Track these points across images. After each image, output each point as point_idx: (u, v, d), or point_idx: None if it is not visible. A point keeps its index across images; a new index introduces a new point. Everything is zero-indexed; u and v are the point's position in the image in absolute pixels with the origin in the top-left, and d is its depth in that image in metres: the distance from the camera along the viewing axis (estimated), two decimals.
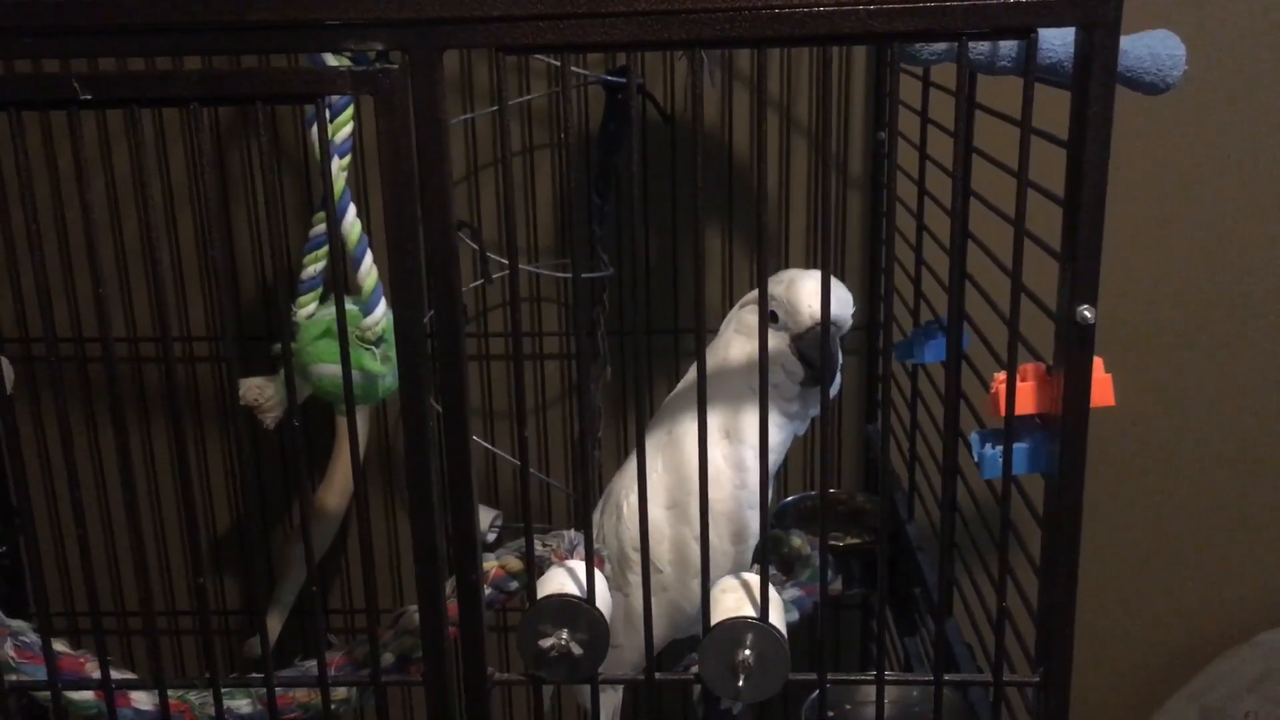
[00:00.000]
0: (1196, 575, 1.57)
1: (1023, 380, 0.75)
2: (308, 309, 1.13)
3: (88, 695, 0.95)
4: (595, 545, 1.00)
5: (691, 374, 1.13)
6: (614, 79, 1.30)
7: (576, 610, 0.77)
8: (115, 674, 0.86)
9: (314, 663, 0.82)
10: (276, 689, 0.83)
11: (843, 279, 1.28)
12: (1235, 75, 1.40)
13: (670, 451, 1.06)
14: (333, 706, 0.85)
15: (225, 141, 1.45)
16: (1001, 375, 0.75)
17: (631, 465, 1.12)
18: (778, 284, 1.01)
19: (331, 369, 1.07)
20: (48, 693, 0.86)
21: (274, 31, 0.68)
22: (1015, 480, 0.76)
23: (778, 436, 1.05)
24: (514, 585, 1.00)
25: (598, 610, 0.78)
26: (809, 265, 1.45)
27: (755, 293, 1.03)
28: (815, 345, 0.99)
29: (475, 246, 1.31)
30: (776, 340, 1.00)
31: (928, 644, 1.21)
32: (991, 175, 0.89)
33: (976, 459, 0.78)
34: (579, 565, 0.81)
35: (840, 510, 1.33)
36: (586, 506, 0.80)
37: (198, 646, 1.62)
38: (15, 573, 1.49)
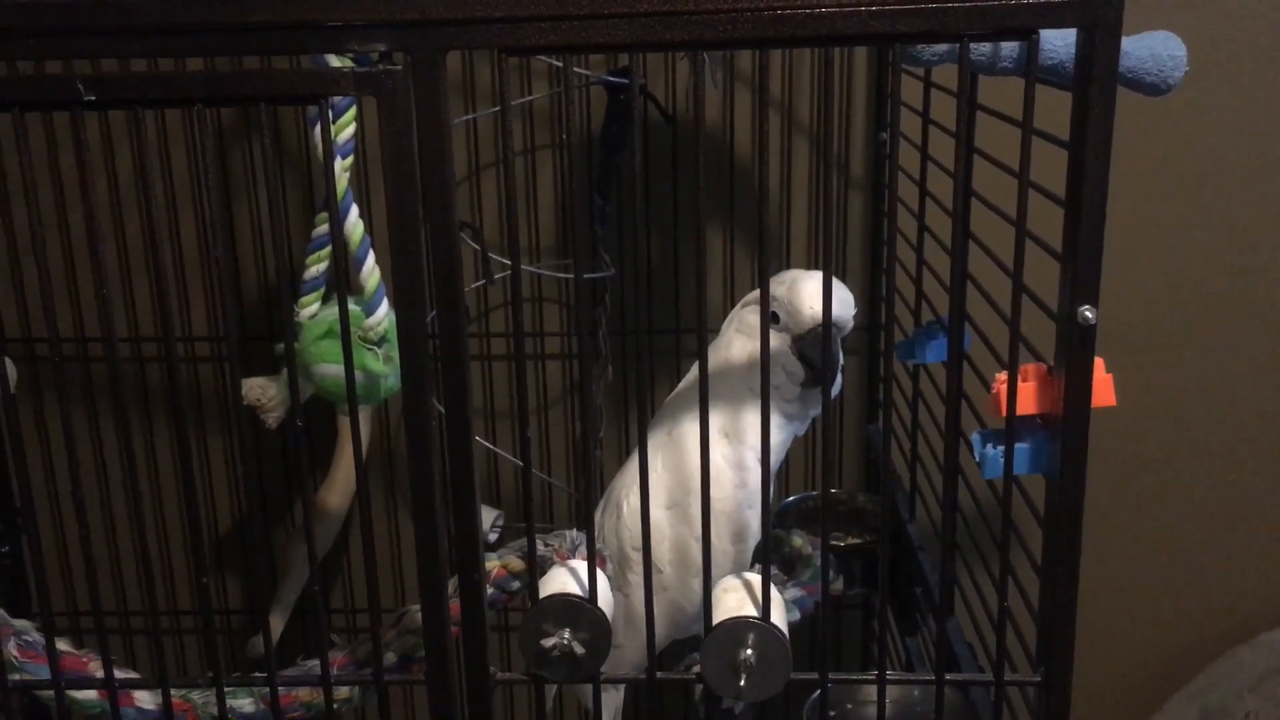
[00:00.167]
0: (1197, 575, 1.57)
1: (1024, 380, 0.75)
2: (310, 309, 1.13)
3: (91, 694, 0.95)
4: (597, 545, 1.00)
5: (692, 374, 1.13)
6: (616, 80, 1.30)
7: (579, 610, 0.78)
8: (118, 673, 0.86)
9: (316, 662, 0.83)
10: (279, 688, 0.83)
11: (844, 279, 1.28)
12: (1236, 76, 1.40)
13: (670, 451, 1.06)
14: (335, 706, 0.85)
15: (227, 142, 1.45)
16: (1003, 375, 0.75)
17: (632, 465, 1.12)
18: (779, 284, 1.01)
19: (334, 369, 1.07)
20: (51, 692, 0.86)
21: (277, 32, 0.68)
22: (1016, 480, 0.77)
23: (778, 437, 1.05)
24: (516, 585, 1.00)
25: (600, 610, 0.78)
26: (810, 266, 1.46)
27: (757, 292, 1.03)
28: (816, 346, 0.99)
29: (477, 247, 1.31)
30: (778, 341, 1.01)
31: (929, 644, 1.21)
32: (993, 176, 0.89)
33: (978, 459, 0.78)
34: (581, 565, 0.81)
35: (841, 510, 1.34)
36: (589, 506, 0.80)
37: (200, 646, 1.62)
38: (18, 572, 1.50)
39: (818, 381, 1.00)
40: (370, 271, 1.07)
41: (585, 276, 1.33)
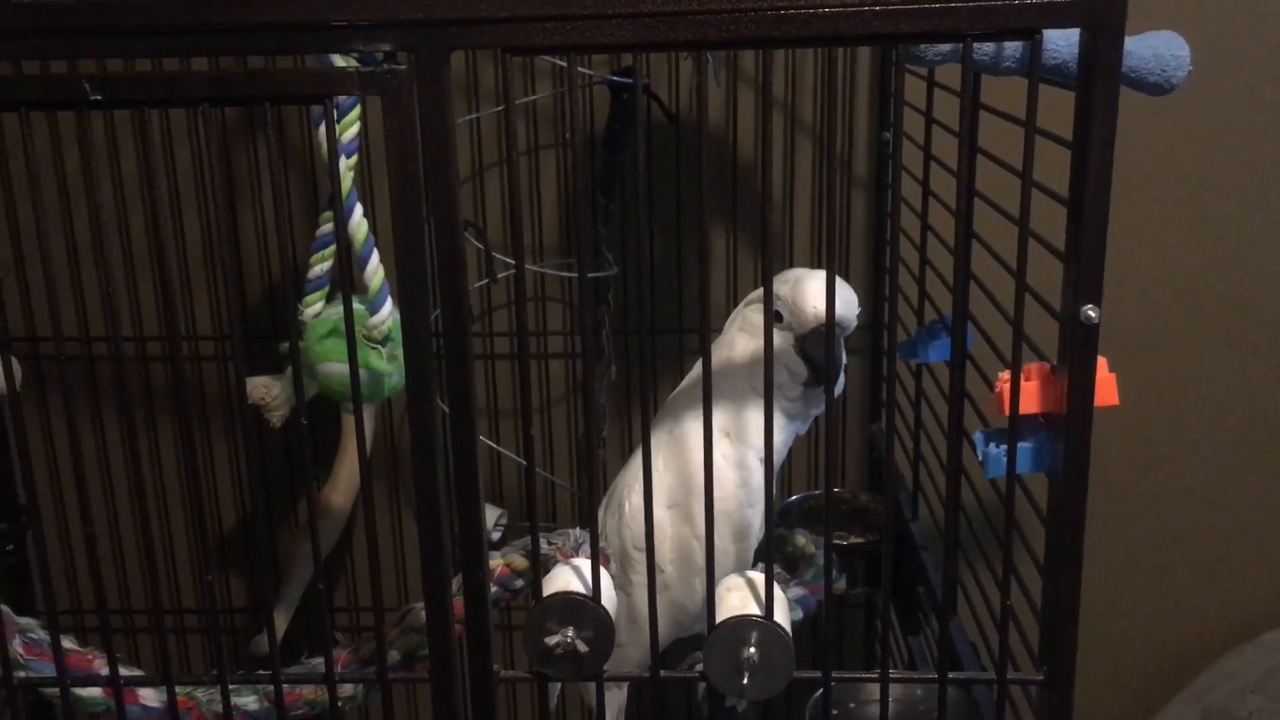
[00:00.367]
0: (1200, 574, 1.57)
1: (1027, 379, 0.75)
2: (314, 308, 1.13)
3: (95, 692, 0.95)
4: (600, 544, 1.00)
5: (694, 372, 1.13)
6: (619, 79, 1.30)
7: (582, 608, 0.78)
8: (123, 671, 0.87)
9: (320, 660, 0.83)
10: (284, 685, 0.84)
11: (847, 278, 1.28)
12: (1239, 76, 1.40)
13: (672, 451, 1.06)
14: (339, 703, 0.86)
15: (231, 141, 1.45)
16: (1005, 375, 0.75)
17: (633, 464, 1.12)
18: (783, 283, 1.01)
19: (338, 368, 1.07)
20: (56, 689, 0.86)
21: (283, 32, 0.69)
22: (1019, 479, 0.77)
23: (780, 436, 1.05)
24: (519, 583, 1.01)
25: (603, 608, 0.78)
26: (813, 265, 1.46)
27: (760, 291, 1.03)
28: (819, 345, 0.99)
29: (480, 246, 1.31)
30: (780, 340, 1.01)
31: (931, 643, 1.21)
32: (996, 175, 0.89)
33: (980, 458, 0.79)
34: (584, 563, 0.81)
35: (844, 509, 1.34)
36: (593, 505, 0.80)
37: (204, 644, 1.63)
38: (23, 570, 1.50)
39: (820, 381, 1.00)
40: (374, 270, 1.07)
41: (589, 276, 1.33)
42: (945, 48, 0.88)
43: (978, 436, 0.79)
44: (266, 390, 1.19)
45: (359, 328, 1.06)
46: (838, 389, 1.08)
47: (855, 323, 1.03)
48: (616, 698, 1.16)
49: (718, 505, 0.96)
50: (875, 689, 0.81)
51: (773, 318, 0.77)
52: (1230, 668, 1.50)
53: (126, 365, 0.77)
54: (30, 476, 0.81)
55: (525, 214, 1.45)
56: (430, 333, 0.73)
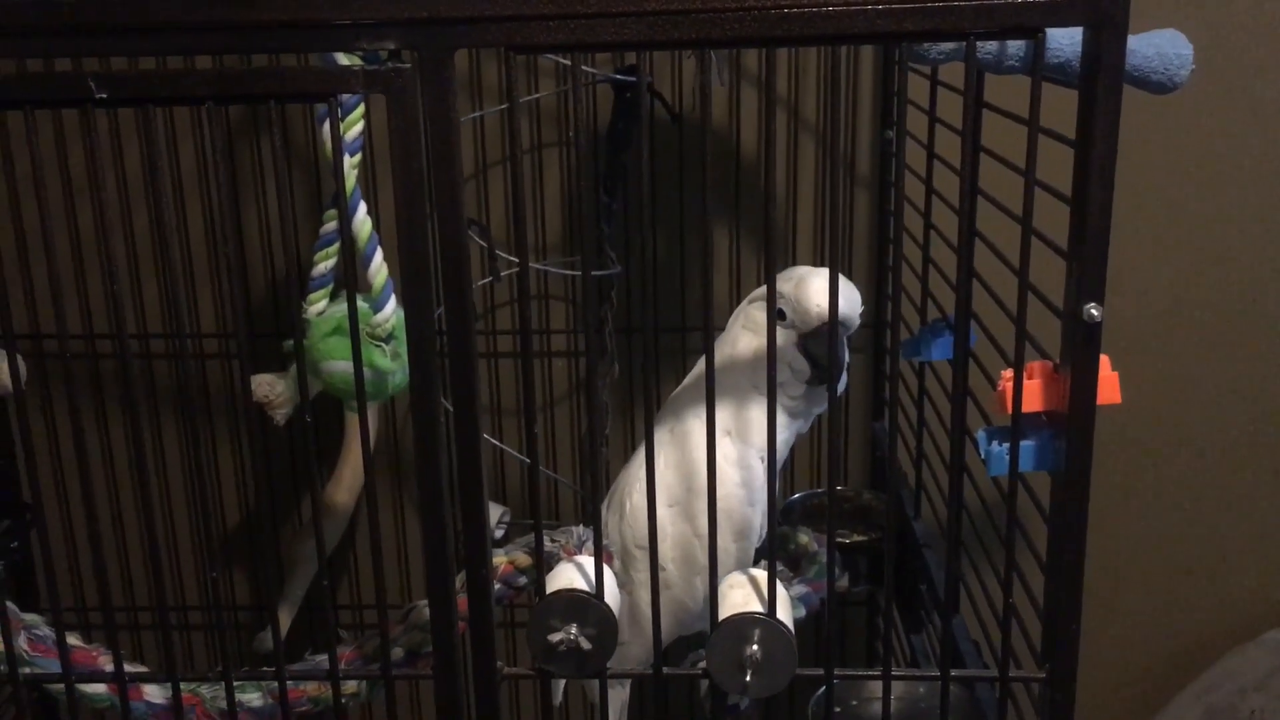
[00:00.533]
0: (1202, 573, 1.57)
1: (1029, 378, 0.75)
2: (318, 306, 1.14)
3: (100, 688, 0.96)
4: (603, 541, 1.00)
5: (696, 370, 1.13)
6: (623, 78, 1.30)
7: (585, 605, 0.78)
8: (128, 667, 0.87)
9: (324, 657, 0.83)
10: (288, 682, 0.84)
11: (850, 277, 1.28)
12: (1242, 75, 1.40)
13: (673, 449, 1.06)
14: (342, 700, 0.86)
15: (235, 139, 1.45)
16: (1008, 373, 0.75)
17: (635, 463, 1.12)
18: (787, 281, 1.01)
19: (342, 366, 1.08)
20: (61, 685, 0.86)
21: (287, 31, 0.69)
22: (1021, 477, 0.77)
23: (781, 434, 1.04)
24: (523, 581, 1.01)
25: (606, 605, 0.78)
26: (816, 263, 1.46)
27: (764, 289, 1.03)
28: (823, 344, 0.99)
29: (484, 244, 1.32)
30: (783, 338, 1.00)
31: (933, 641, 1.21)
32: (999, 174, 0.89)
33: (983, 456, 0.79)
34: (587, 561, 0.82)
35: (847, 508, 1.34)
36: (596, 503, 0.80)
37: (207, 642, 1.63)
38: (27, 567, 1.50)
39: (823, 379, 1.00)
40: (378, 268, 1.07)
41: (592, 274, 1.34)
42: (948, 46, 0.88)
43: (980, 434, 0.80)
44: (270, 388, 1.19)
45: (363, 326, 1.06)
46: (840, 387, 1.08)
47: (858, 321, 1.03)
48: (619, 695, 1.17)
49: (719, 504, 0.96)
50: (877, 686, 0.81)
51: (776, 316, 0.77)
52: (1232, 666, 1.50)
53: (130, 363, 0.78)
54: (35, 473, 0.81)
55: (528, 212, 1.45)
56: (434, 331, 0.73)
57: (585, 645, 0.77)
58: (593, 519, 0.80)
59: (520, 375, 1.31)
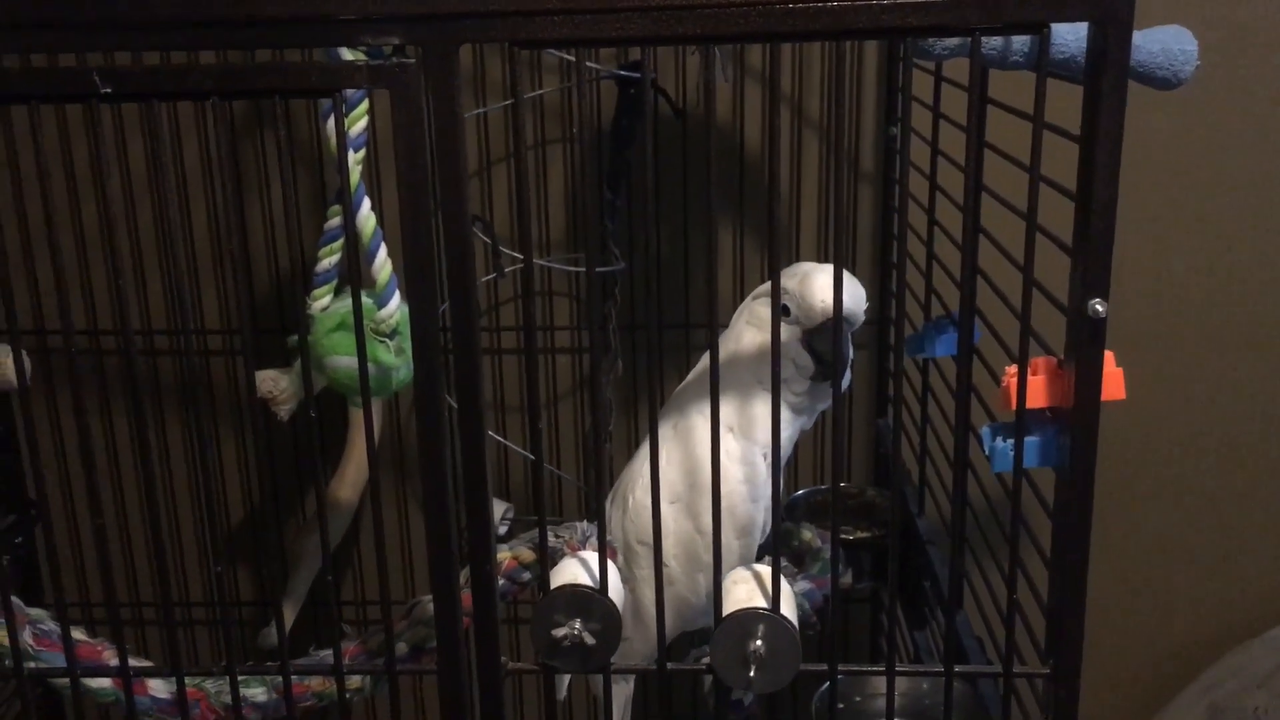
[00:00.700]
0: (1207, 569, 1.57)
1: (1034, 374, 0.75)
2: (322, 302, 1.14)
3: (105, 683, 0.96)
4: (607, 537, 1.01)
5: (699, 367, 1.13)
6: (627, 74, 1.30)
7: (589, 600, 0.78)
8: (132, 662, 0.87)
9: (329, 652, 0.83)
10: (292, 677, 0.84)
11: (854, 273, 1.28)
12: (1247, 71, 1.40)
13: (676, 446, 1.06)
14: (347, 695, 0.86)
15: (239, 135, 1.45)
16: (1012, 369, 0.75)
17: (638, 459, 1.12)
18: (791, 277, 1.01)
19: (346, 361, 1.08)
20: (66, 680, 0.87)
21: (291, 26, 0.69)
22: (1026, 473, 0.77)
23: (785, 430, 1.05)
24: (527, 576, 1.01)
25: (610, 601, 0.78)
26: (820, 260, 1.46)
27: (768, 285, 1.03)
28: (827, 340, 0.99)
29: (488, 240, 1.32)
30: (787, 334, 1.00)
31: (937, 637, 1.21)
32: (1003, 170, 0.89)
33: (987, 452, 0.79)
34: (591, 556, 0.82)
35: (851, 504, 1.34)
36: (600, 499, 0.80)
37: (211, 637, 1.63)
38: (32, 563, 1.51)
39: (827, 375, 1.00)
40: (382, 264, 1.07)
41: (596, 270, 1.34)
42: (953, 42, 0.88)
43: (984, 431, 0.80)
44: (274, 384, 1.19)
45: (367, 321, 1.06)
46: (844, 384, 1.08)
47: (863, 317, 1.03)
48: (623, 690, 1.17)
49: (722, 500, 0.97)
50: (881, 682, 0.81)
51: (780, 312, 0.77)
52: (1237, 663, 1.50)
53: (135, 358, 0.78)
54: (39, 469, 0.81)
55: (532, 208, 1.45)
56: (438, 327, 0.73)
57: (589, 641, 0.78)
58: (597, 515, 0.80)
59: (524, 371, 1.32)
